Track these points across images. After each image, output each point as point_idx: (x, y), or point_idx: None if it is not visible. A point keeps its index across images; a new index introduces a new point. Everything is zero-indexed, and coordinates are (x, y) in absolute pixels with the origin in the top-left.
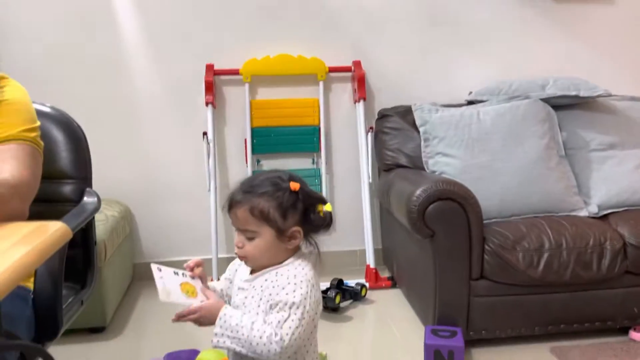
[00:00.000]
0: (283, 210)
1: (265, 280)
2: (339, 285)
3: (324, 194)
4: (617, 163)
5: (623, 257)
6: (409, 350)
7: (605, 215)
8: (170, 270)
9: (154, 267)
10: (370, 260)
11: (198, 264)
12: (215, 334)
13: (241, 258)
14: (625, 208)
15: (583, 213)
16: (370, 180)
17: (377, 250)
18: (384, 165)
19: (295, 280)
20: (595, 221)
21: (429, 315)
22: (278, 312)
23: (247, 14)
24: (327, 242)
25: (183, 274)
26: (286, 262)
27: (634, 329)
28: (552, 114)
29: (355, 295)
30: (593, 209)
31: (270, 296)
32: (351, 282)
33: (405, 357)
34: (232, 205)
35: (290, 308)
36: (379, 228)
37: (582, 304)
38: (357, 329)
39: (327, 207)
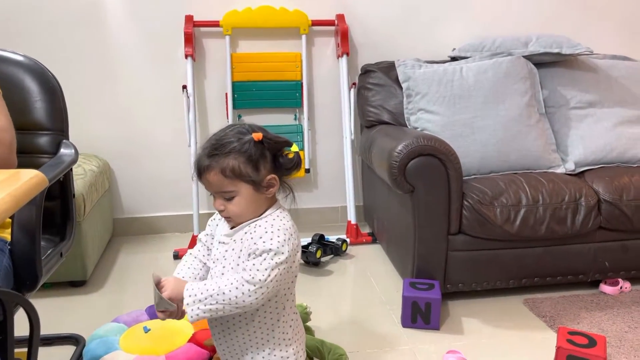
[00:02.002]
0: (254, 163)
1: (245, 233)
2: (320, 240)
3: (306, 150)
4: (595, 121)
5: (597, 213)
6: (388, 302)
7: (582, 172)
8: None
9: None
10: (352, 216)
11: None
12: (187, 304)
13: (226, 219)
14: (601, 165)
15: (560, 170)
16: (353, 136)
17: (358, 207)
18: (366, 122)
19: (272, 229)
20: (571, 178)
21: (408, 268)
22: (254, 258)
23: None
24: (309, 198)
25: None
26: (265, 213)
27: (605, 282)
28: (534, 71)
29: (336, 250)
30: (570, 166)
31: (249, 247)
32: (332, 237)
33: (383, 309)
34: (201, 171)
35: (267, 253)
36: (361, 185)
37: (556, 258)
38: (338, 282)
39: (294, 148)
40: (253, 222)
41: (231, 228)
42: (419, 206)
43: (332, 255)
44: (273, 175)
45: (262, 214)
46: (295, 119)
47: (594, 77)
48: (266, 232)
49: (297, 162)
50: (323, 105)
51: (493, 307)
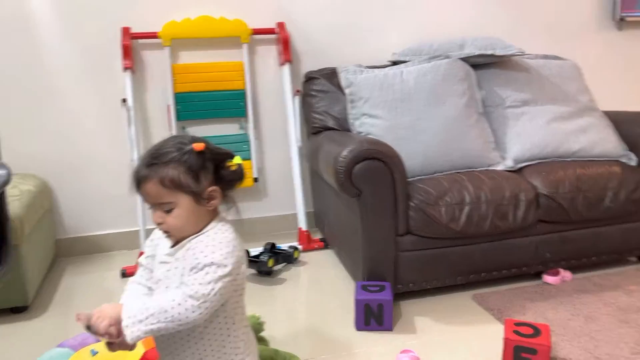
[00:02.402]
0: (194, 173)
1: (187, 250)
2: (271, 249)
3: (253, 159)
4: (530, 119)
5: (536, 207)
6: (342, 306)
7: (521, 169)
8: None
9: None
10: (302, 223)
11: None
12: (126, 327)
13: (165, 233)
14: (538, 161)
15: (500, 167)
16: (300, 143)
17: (309, 213)
18: (312, 129)
19: (214, 242)
20: (511, 174)
21: (359, 272)
22: (196, 272)
23: None
24: (259, 207)
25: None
26: (206, 228)
27: (547, 273)
28: (471, 72)
29: (288, 257)
30: (509, 163)
31: (191, 263)
32: (284, 245)
33: (337, 313)
34: (139, 181)
35: (209, 267)
36: (310, 191)
37: (500, 252)
38: (291, 290)
39: (237, 160)
40: (194, 237)
41: (172, 246)
42: (367, 209)
43: (284, 264)
44: (214, 187)
45: (203, 229)
46: (240, 128)
47: (527, 76)
48: (207, 246)
49: (239, 175)
50: (269, 113)
51: (444, 304)
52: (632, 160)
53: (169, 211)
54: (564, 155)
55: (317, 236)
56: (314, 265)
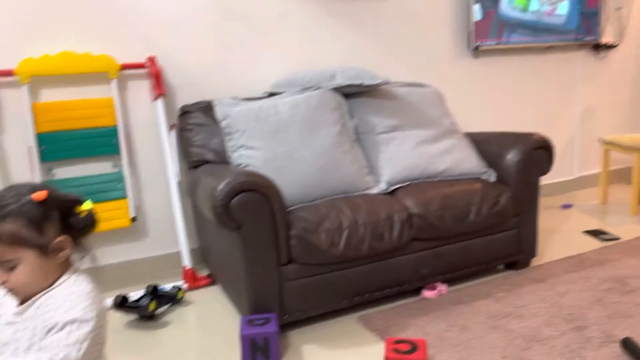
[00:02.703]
0: (36, 225)
1: (38, 307)
2: (153, 291)
3: (130, 197)
4: (399, 143)
5: (409, 226)
6: (229, 344)
7: (393, 191)
8: None
9: None
10: (187, 261)
11: None
12: None
13: (11, 292)
14: (409, 182)
15: (375, 190)
16: (179, 178)
17: (195, 250)
18: (191, 163)
19: (70, 297)
20: (385, 197)
21: (245, 306)
22: (57, 332)
23: (18, 6)
24: (140, 247)
25: None
26: (58, 282)
27: (425, 288)
28: (342, 102)
29: (172, 299)
30: (383, 186)
31: (45, 322)
32: (168, 286)
33: (224, 351)
34: None
35: (71, 325)
36: (195, 227)
37: (381, 272)
38: (175, 332)
39: (86, 206)
40: (46, 293)
41: (20, 304)
42: (247, 241)
43: (169, 305)
44: (62, 237)
45: (54, 283)
46: (114, 166)
47: (394, 104)
48: (65, 301)
49: (91, 221)
50: (144, 149)
51: (331, 329)
52: (492, 177)
53: (12, 268)
54: (432, 175)
55: (205, 273)
56: (200, 304)
